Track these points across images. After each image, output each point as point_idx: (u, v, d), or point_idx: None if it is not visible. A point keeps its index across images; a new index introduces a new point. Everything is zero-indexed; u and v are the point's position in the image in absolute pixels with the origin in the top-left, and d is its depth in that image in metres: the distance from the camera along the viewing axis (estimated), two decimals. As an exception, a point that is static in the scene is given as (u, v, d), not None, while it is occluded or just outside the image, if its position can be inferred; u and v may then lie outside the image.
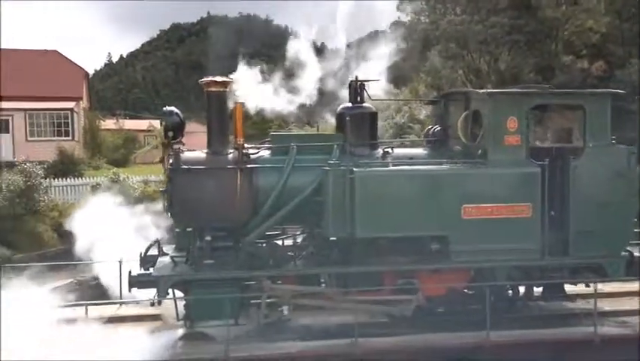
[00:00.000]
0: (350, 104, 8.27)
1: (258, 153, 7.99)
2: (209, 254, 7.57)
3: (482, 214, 7.49)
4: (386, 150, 8.19)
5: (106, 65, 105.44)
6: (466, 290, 8.24)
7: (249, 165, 7.68)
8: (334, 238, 7.42)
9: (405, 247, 7.67)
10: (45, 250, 15.25)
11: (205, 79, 7.88)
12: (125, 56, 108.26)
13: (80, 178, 20.03)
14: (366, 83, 8.26)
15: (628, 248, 8.13)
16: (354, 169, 7.32)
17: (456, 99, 8.63)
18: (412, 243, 7.64)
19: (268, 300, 7.49)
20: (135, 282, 7.70)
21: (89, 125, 30.58)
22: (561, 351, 7.59)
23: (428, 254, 7.60)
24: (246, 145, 7.86)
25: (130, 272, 7.81)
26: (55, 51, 32.82)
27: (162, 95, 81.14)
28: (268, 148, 8.09)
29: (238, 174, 7.59)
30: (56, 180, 19.09)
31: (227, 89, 7.94)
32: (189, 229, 7.99)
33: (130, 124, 41.25)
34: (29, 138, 27.26)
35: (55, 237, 15.80)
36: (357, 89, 8.21)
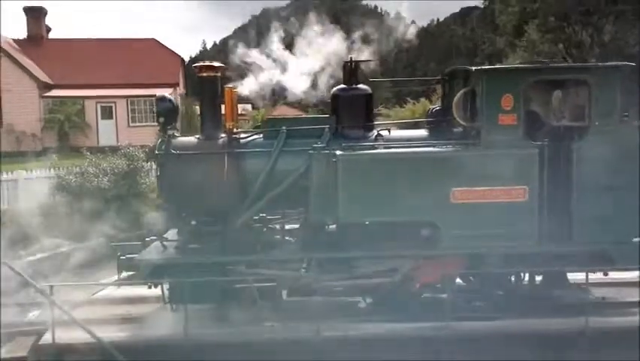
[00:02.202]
0: (344, 86, 7.98)
1: (249, 137, 7.93)
2: (195, 238, 7.65)
3: (473, 198, 7.06)
4: (381, 132, 7.89)
5: (200, 52, 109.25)
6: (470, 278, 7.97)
7: (237, 150, 7.64)
8: (320, 223, 7.33)
9: (394, 233, 7.39)
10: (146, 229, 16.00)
11: (198, 64, 7.93)
12: (218, 43, 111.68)
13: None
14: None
15: None
16: (337, 152, 7.13)
17: (457, 77, 8.13)
18: (401, 228, 7.37)
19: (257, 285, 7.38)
20: (122, 266, 7.87)
21: (185, 111, 31.74)
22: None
23: (418, 240, 7.34)
24: (238, 130, 7.86)
25: (119, 256, 7.96)
26: (153, 39, 34.27)
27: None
28: (261, 132, 7.99)
29: (225, 159, 7.57)
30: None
31: (220, 74, 7.92)
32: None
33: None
34: (131, 124, 28.74)
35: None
36: (351, 70, 7.90)
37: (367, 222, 7.42)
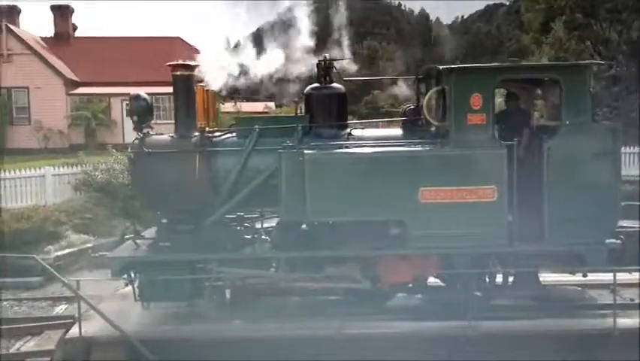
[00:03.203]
0: (317, 85, 7.98)
1: (222, 136, 7.94)
2: (166, 236, 7.69)
3: (442, 198, 7.03)
4: (353, 131, 7.87)
5: (225, 49, 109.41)
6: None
7: (208, 149, 7.66)
8: (289, 222, 7.37)
9: (363, 232, 7.37)
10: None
11: (171, 62, 7.94)
12: (241, 41, 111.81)
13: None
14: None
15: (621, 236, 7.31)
16: (305, 151, 7.11)
17: (431, 77, 8.05)
18: (371, 227, 7.34)
19: (216, 283, 7.48)
20: (96, 263, 7.96)
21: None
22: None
23: (387, 239, 7.28)
24: (210, 128, 7.91)
25: (90, 253, 8.05)
26: (178, 37, 34.51)
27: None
28: (234, 131, 7.99)
29: (197, 158, 7.60)
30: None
31: (194, 73, 7.92)
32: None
33: (247, 106, 42.63)
34: (156, 121, 28.98)
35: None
36: (324, 69, 7.88)
37: (335, 222, 7.44)
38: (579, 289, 8.36)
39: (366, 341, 7.16)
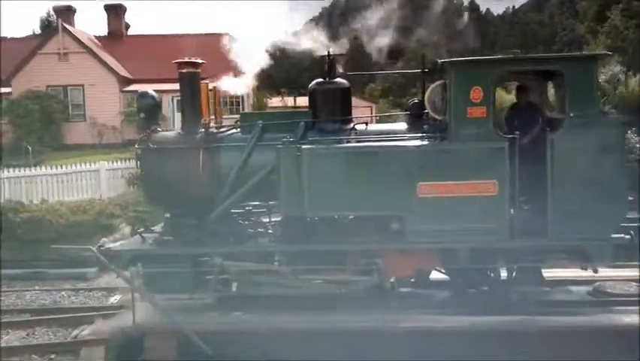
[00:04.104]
0: (321, 80, 7.97)
1: (227, 132, 8.00)
2: (170, 231, 7.81)
3: (441, 192, 6.92)
4: (356, 125, 7.81)
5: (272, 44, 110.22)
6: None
7: (212, 145, 7.73)
8: (290, 217, 7.39)
9: (364, 227, 7.36)
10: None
11: (177, 60, 7.99)
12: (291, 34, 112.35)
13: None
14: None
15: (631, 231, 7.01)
16: (303, 146, 7.07)
17: (436, 70, 7.88)
18: (372, 222, 7.33)
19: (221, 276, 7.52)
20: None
21: (257, 104, 32.23)
22: None
23: (388, 234, 7.22)
24: (216, 124, 8.03)
25: (98, 246, 8.27)
26: (227, 34, 34.91)
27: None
28: (240, 127, 8.03)
29: (201, 153, 7.67)
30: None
31: (199, 70, 8.00)
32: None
33: (294, 101, 42.87)
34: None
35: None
36: (329, 64, 7.88)
37: (336, 216, 7.48)
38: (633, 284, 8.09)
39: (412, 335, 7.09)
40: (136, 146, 8.15)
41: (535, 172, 7.04)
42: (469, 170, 6.96)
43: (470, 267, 7.41)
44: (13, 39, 37.18)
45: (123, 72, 30.31)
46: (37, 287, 11.57)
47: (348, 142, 7.49)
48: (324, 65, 8.02)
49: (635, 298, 7.56)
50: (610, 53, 7.49)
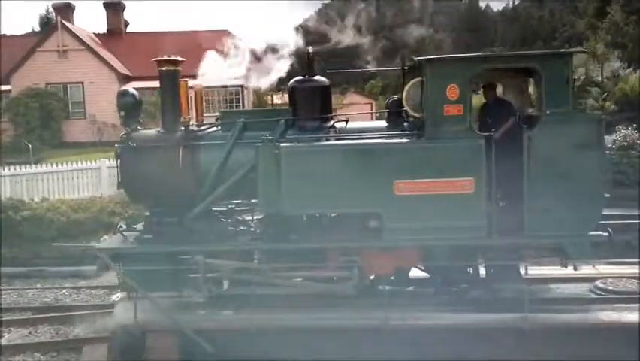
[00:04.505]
0: (301, 77, 7.93)
1: (207, 130, 8.01)
2: (149, 229, 7.84)
3: (418, 190, 6.89)
4: (336, 123, 7.81)
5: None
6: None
7: (191, 143, 7.73)
8: (269, 215, 7.40)
9: (343, 225, 7.39)
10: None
11: (157, 58, 8.04)
12: (298, 28, 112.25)
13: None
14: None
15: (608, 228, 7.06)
16: (281, 144, 7.08)
17: (414, 68, 7.84)
18: (350, 220, 7.35)
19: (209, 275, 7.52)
20: (84, 255, 8.11)
21: (257, 101, 32.23)
22: None
23: (367, 232, 7.22)
24: (198, 122, 8.05)
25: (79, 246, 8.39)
26: (226, 31, 34.90)
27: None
28: (220, 125, 8.02)
29: (180, 152, 7.67)
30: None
31: (179, 68, 8.05)
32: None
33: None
34: (205, 114, 29.43)
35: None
36: (308, 61, 7.85)
37: (316, 215, 7.53)
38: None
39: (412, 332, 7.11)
40: (116, 145, 8.24)
41: (512, 170, 7.05)
42: (446, 168, 6.96)
43: (448, 265, 7.44)
44: (12, 37, 37.17)
45: (123, 70, 30.31)
46: (38, 285, 11.60)
47: (326, 140, 7.52)
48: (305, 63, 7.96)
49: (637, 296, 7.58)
50: (586, 50, 7.60)
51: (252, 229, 8.00)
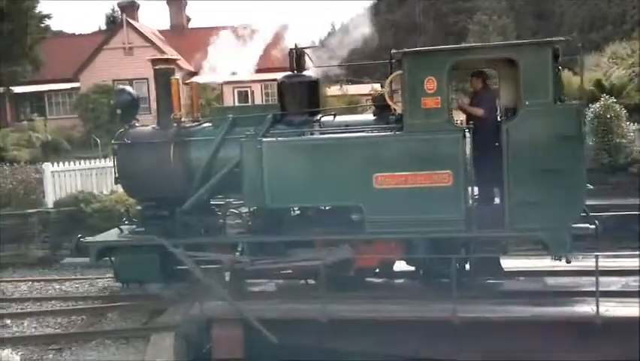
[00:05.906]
0: (289, 73, 8.00)
1: (198, 126, 8.14)
2: (141, 223, 8.06)
3: (396, 183, 6.89)
4: (322, 118, 7.79)
5: (329, 33, 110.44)
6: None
7: (182, 139, 7.91)
8: (253, 208, 7.57)
9: (325, 217, 7.46)
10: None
11: (151, 57, 8.21)
12: (344, 23, 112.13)
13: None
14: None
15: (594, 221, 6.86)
16: (263, 139, 7.09)
17: (398, 60, 7.55)
18: (332, 213, 7.42)
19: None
20: (77, 247, 8.63)
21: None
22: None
23: (348, 225, 7.24)
24: (192, 119, 8.25)
25: (78, 237, 8.75)
26: (284, 25, 35.08)
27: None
28: (210, 121, 8.16)
29: (172, 147, 7.80)
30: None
31: (173, 66, 8.22)
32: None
33: (353, 89, 42.61)
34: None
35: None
36: (296, 57, 7.87)
37: (296, 208, 7.69)
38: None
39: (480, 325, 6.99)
40: (112, 141, 8.51)
41: (491, 162, 6.96)
42: (424, 160, 6.95)
43: (428, 257, 7.43)
44: (80, 35, 38.55)
45: (186, 65, 30.92)
46: (108, 275, 11.99)
47: (311, 134, 7.57)
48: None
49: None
50: (568, 38, 7.34)
51: (238, 222, 8.17)
